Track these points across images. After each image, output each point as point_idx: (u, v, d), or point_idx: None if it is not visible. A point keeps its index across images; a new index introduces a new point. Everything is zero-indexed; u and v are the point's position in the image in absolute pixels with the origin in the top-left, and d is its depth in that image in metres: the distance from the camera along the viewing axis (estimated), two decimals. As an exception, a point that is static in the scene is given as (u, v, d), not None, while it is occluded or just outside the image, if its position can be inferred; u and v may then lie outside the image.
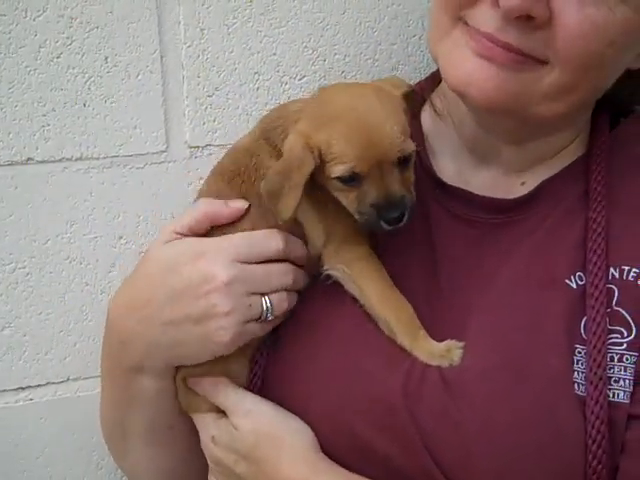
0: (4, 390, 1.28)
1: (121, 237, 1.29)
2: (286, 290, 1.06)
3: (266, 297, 1.04)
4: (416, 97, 1.08)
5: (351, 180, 1.01)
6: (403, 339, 1.02)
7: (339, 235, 1.07)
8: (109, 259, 1.28)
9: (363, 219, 1.02)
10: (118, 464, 1.27)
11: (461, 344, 1.00)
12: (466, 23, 0.99)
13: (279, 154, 1.06)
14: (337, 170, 1.00)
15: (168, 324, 1.05)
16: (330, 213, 1.07)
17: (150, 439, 1.18)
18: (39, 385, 1.30)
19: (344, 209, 1.05)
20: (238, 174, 1.10)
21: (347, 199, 1.03)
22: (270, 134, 1.09)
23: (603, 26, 0.94)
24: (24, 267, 1.25)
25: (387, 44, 1.36)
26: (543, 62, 0.97)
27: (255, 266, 1.04)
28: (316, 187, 1.04)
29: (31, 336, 1.27)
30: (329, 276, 1.08)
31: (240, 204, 1.07)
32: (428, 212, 1.12)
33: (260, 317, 1.04)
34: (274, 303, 1.04)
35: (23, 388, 1.29)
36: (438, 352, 1.00)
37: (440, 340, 1.01)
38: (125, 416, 1.16)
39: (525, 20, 0.93)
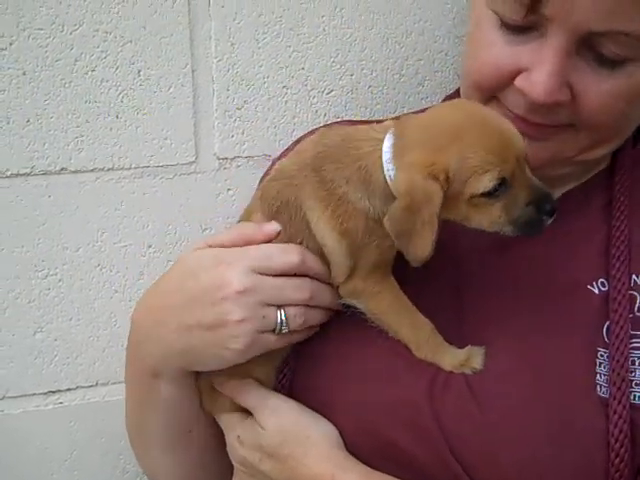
0: (34, 393, 1.31)
1: (150, 246, 1.31)
2: (307, 306, 1.06)
3: (282, 310, 1.04)
4: None
5: (497, 189, 0.94)
6: (424, 356, 1.03)
7: (357, 270, 1.05)
8: (138, 267, 1.31)
9: (519, 224, 0.96)
10: (140, 465, 1.28)
11: (482, 349, 1.01)
12: (497, 98, 1.04)
13: (326, 187, 1.02)
14: (483, 182, 0.93)
15: (182, 329, 1.05)
16: (356, 247, 1.03)
17: (168, 443, 1.19)
18: (69, 389, 1.33)
19: (367, 243, 1.00)
20: (280, 209, 1.06)
21: (491, 214, 0.96)
22: (325, 165, 1.02)
23: (624, 93, 0.98)
24: (56, 274, 1.28)
25: (414, 59, 1.38)
26: (571, 125, 1.01)
27: (270, 278, 1.04)
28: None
29: (62, 341, 1.30)
30: (348, 305, 1.07)
31: (273, 227, 1.07)
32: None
33: (275, 329, 1.04)
34: (289, 316, 1.04)
35: (53, 392, 1.32)
36: (459, 362, 1.01)
37: (461, 346, 1.02)
38: (144, 419, 1.18)
39: (550, 105, 0.98)
